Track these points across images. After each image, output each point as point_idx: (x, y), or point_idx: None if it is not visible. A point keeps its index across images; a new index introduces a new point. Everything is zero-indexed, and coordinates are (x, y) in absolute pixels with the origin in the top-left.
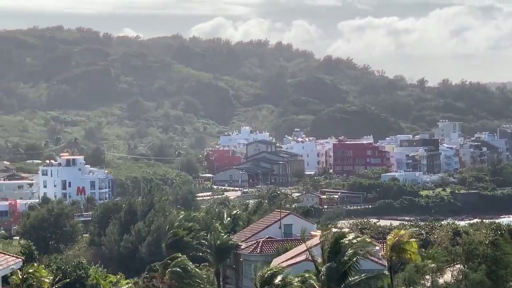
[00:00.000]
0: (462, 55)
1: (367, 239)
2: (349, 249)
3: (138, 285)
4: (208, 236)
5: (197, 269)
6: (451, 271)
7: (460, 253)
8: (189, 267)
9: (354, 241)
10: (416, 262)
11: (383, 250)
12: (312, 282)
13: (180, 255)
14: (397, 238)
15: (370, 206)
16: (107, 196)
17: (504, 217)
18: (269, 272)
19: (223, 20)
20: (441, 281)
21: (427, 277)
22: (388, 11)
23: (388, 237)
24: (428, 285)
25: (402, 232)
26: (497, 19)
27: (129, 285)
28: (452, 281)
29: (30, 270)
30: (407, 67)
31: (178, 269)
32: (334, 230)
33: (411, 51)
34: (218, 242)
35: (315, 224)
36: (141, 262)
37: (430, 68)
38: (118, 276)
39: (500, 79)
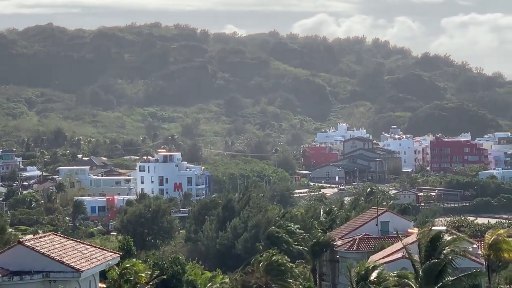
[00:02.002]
0: None
1: (464, 237)
2: (447, 247)
3: (234, 281)
4: (305, 233)
5: (293, 265)
6: None
7: None
8: (285, 263)
9: (452, 239)
10: None
11: (481, 248)
12: (408, 281)
13: (276, 250)
14: (494, 236)
15: (468, 204)
16: (204, 192)
17: None
18: (364, 268)
19: (325, 16)
20: None
21: None
22: (492, 7)
23: (486, 235)
24: None
25: (500, 230)
26: None
27: (225, 280)
28: None
29: (128, 265)
30: (510, 64)
31: (274, 265)
32: (431, 228)
33: None
34: (315, 239)
35: (412, 221)
36: (237, 259)
37: None
38: (215, 272)
39: None
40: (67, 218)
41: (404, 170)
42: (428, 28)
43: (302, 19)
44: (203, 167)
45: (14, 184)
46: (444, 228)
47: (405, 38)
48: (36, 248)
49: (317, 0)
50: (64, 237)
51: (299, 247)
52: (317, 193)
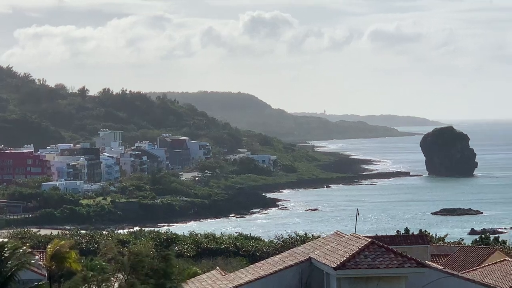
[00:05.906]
0: (137, 64)
1: (27, 249)
2: (10, 260)
3: None
4: None
5: None
6: (115, 281)
7: (126, 264)
8: None
9: (13, 251)
10: (77, 271)
11: (43, 260)
12: None
13: None
14: (57, 247)
15: (31, 216)
16: None
17: (164, 225)
18: None
19: None
20: None
21: (93, 287)
22: (67, 19)
23: (48, 246)
24: None
25: (63, 242)
26: (168, 29)
27: None
28: None
29: None
30: (82, 76)
31: None
32: None
33: (86, 60)
34: None
35: None
36: None
37: (108, 77)
38: None
39: (173, 88)
40: None
41: None
42: (0, 38)
43: None
44: None
45: None
46: (7, 240)
47: None
48: None
49: None
50: None
51: None
52: None
